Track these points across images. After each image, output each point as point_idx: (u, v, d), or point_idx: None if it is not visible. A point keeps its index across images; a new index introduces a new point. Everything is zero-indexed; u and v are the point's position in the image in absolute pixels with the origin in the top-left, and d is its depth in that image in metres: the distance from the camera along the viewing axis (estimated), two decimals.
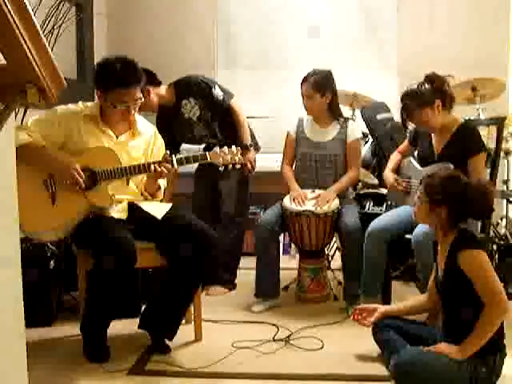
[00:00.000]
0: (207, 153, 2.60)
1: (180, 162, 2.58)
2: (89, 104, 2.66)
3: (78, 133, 2.56)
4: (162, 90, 3.34)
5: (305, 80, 3.22)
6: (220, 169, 2.62)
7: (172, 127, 3.37)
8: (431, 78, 2.76)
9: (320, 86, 3.19)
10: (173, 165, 2.56)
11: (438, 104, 2.75)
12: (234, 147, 2.64)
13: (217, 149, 2.61)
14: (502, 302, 2.03)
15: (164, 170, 2.54)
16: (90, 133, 2.57)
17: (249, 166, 3.32)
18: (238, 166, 2.69)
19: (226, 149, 2.62)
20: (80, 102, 2.66)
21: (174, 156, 2.58)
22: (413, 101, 2.75)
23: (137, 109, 2.62)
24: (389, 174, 3.08)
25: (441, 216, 2.16)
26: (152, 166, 2.54)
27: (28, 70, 1.19)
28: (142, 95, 2.61)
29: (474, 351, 2.03)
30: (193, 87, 3.35)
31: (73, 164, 2.47)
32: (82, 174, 2.47)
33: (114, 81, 2.51)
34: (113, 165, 2.51)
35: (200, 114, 3.38)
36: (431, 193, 2.17)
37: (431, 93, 2.74)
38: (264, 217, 3.26)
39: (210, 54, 4.64)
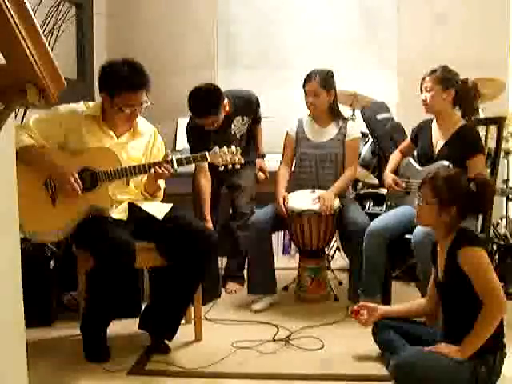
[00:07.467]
0: (207, 153, 2.59)
1: (180, 163, 2.58)
2: (91, 104, 2.64)
3: (79, 132, 2.54)
4: (226, 103, 3.25)
5: (309, 78, 3.21)
6: (220, 169, 2.63)
7: (211, 140, 3.17)
8: (465, 80, 2.93)
9: (326, 83, 3.21)
10: (173, 165, 2.56)
11: (451, 93, 2.85)
12: (233, 147, 2.64)
13: (217, 149, 2.61)
14: (500, 301, 2.04)
15: (164, 170, 2.54)
16: (90, 133, 2.56)
17: (265, 174, 3.63)
18: (238, 166, 2.68)
19: (225, 149, 2.62)
20: (82, 102, 2.64)
21: (173, 156, 2.58)
22: (436, 73, 2.84)
23: (142, 111, 2.60)
24: (388, 175, 3.09)
25: (450, 215, 2.16)
26: (152, 167, 2.54)
27: (28, 70, 1.19)
28: (147, 99, 2.56)
29: (473, 351, 2.03)
30: (251, 105, 3.44)
31: (70, 172, 2.44)
32: (79, 181, 2.45)
33: (122, 84, 2.47)
34: (113, 165, 2.50)
35: (245, 131, 3.44)
36: (439, 193, 2.16)
37: (453, 82, 2.85)
38: (254, 217, 3.25)
39: (210, 54, 4.63)
